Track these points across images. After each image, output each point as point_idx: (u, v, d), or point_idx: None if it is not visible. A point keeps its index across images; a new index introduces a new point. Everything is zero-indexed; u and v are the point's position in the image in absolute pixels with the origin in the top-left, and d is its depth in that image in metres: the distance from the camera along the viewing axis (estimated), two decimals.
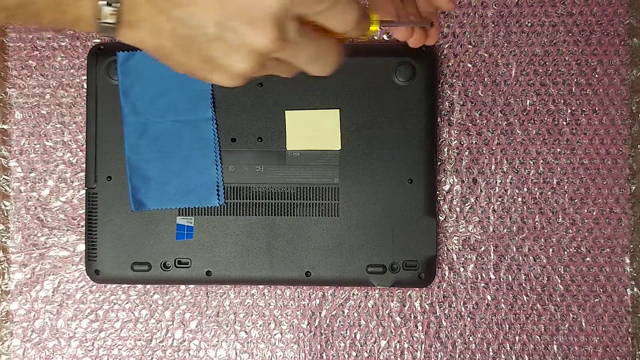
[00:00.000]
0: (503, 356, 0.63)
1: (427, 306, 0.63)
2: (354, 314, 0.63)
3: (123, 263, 0.60)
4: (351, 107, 0.60)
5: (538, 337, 0.63)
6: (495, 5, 0.63)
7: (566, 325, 0.63)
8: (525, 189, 0.63)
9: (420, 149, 0.60)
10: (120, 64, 0.60)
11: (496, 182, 0.63)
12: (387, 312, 0.63)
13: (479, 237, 0.63)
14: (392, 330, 0.63)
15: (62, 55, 0.64)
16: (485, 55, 0.63)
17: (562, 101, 0.63)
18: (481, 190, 0.63)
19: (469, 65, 0.63)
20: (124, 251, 0.60)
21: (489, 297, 0.63)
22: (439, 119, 0.63)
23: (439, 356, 0.63)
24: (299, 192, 0.60)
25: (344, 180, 0.60)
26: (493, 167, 0.63)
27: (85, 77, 0.63)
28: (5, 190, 0.64)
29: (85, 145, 0.61)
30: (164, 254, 0.60)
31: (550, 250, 0.63)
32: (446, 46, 0.63)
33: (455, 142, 0.63)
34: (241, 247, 0.60)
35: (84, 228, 0.62)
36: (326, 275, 0.60)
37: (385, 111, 0.60)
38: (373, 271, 0.60)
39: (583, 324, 0.63)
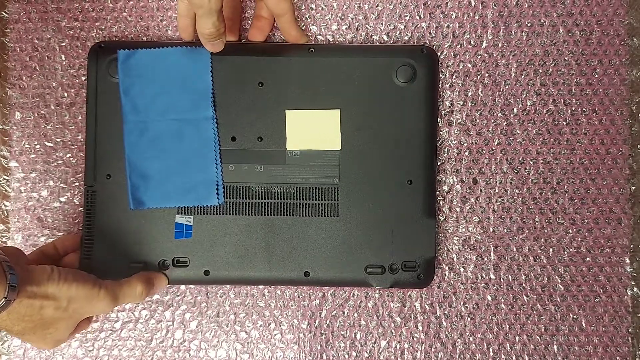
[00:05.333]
0: (503, 356, 0.63)
1: (427, 306, 0.63)
2: (354, 314, 0.63)
3: (120, 261, 0.60)
4: (352, 107, 0.60)
5: (538, 337, 0.63)
6: (495, 6, 0.63)
7: (566, 326, 0.63)
8: (525, 189, 0.63)
9: (420, 150, 0.60)
10: (121, 62, 0.59)
11: (496, 182, 0.63)
12: (387, 312, 0.63)
13: (479, 237, 0.63)
14: (392, 331, 0.63)
15: (62, 55, 0.64)
16: (485, 55, 0.63)
17: (562, 101, 0.63)
18: (481, 191, 0.63)
19: (469, 65, 0.63)
20: (121, 250, 0.60)
21: (489, 297, 0.63)
22: (438, 119, 0.63)
23: (439, 356, 0.63)
24: (299, 192, 0.60)
25: (344, 181, 0.60)
26: (493, 167, 0.63)
27: (85, 78, 0.63)
28: (6, 190, 0.64)
29: (85, 145, 0.61)
30: (162, 253, 0.60)
31: (550, 250, 0.63)
32: (446, 46, 0.63)
33: (455, 142, 0.63)
34: (240, 247, 0.60)
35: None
36: (325, 276, 0.60)
37: (386, 112, 0.60)
38: (372, 272, 0.60)
39: (583, 324, 0.63)
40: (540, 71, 0.63)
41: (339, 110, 0.60)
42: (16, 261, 0.50)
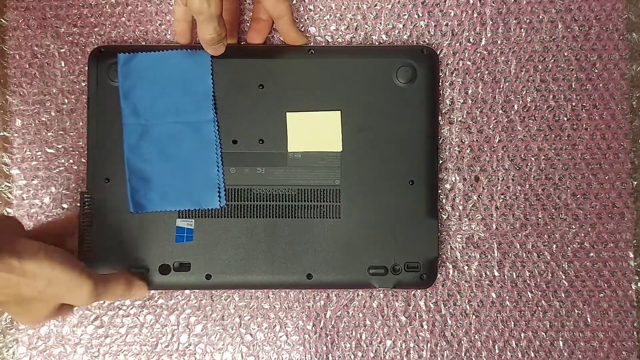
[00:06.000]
0: (509, 353, 0.63)
1: (431, 305, 0.63)
2: (358, 314, 0.63)
3: (120, 266, 0.59)
4: (352, 108, 0.60)
5: (543, 334, 0.63)
6: (493, 3, 0.63)
7: (571, 321, 0.63)
8: (528, 186, 0.63)
9: (421, 150, 0.60)
10: (121, 65, 0.59)
11: (498, 179, 0.63)
12: (392, 311, 0.63)
13: (482, 235, 0.63)
14: (398, 330, 0.63)
15: (62, 62, 0.64)
16: (485, 52, 0.63)
17: (563, 97, 0.63)
18: (483, 188, 0.63)
19: (469, 63, 0.63)
20: (121, 254, 0.59)
21: (493, 295, 0.63)
22: (439, 117, 0.63)
23: (445, 354, 0.63)
24: (301, 194, 0.60)
25: (345, 182, 0.60)
26: (495, 164, 0.63)
27: (85, 84, 0.63)
28: (8, 197, 0.64)
29: (87, 150, 0.61)
30: (163, 257, 0.60)
31: (554, 246, 0.63)
32: (445, 44, 0.63)
33: (457, 140, 0.63)
34: (242, 250, 0.60)
35: None
36: (327, 278, 0.60)
37: (386, 113, 0.60)
38: (374, 273, 0.60)
39: (588, 319, 0.63)
40: (540, 67, 0.63)
41: (339, 111, 0.60)
42: (1, 230, 0.49)
